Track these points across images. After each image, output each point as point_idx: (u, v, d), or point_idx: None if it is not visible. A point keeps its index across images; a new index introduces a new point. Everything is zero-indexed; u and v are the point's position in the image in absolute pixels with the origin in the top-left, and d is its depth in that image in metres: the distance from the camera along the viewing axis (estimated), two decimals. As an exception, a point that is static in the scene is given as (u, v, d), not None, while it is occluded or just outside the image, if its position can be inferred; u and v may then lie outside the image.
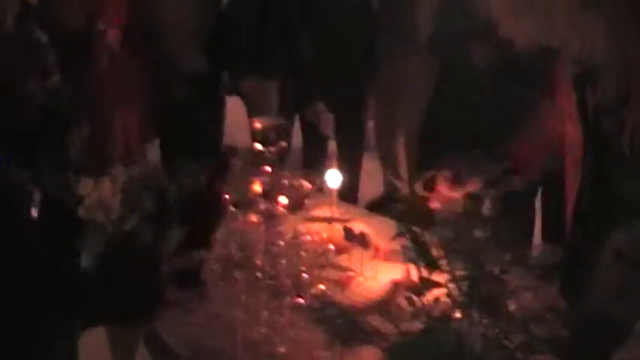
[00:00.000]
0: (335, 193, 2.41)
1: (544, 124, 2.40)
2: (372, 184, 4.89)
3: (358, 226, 2.31)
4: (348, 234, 2.23)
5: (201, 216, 1.30)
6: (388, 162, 4.85)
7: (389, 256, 2.22)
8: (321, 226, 2.27)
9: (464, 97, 3.44)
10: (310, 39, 3.96)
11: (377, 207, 4.17)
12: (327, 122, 3.93)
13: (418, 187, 2.36)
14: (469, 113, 3.43)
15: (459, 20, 3.52)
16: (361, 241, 2.20)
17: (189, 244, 1.43)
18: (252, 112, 4.27)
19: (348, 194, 3.26)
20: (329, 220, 2.30)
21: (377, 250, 2.19)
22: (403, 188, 4.80)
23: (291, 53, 3.97)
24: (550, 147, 2.37)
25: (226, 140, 4.48)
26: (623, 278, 1.77)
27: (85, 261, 1.62)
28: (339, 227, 2.33)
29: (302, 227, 2.16)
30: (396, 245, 2.24)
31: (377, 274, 2.16)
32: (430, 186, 2.35)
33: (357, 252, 2.23)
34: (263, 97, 4.11)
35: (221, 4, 4.07)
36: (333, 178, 2.35)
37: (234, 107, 4.61)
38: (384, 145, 4.76)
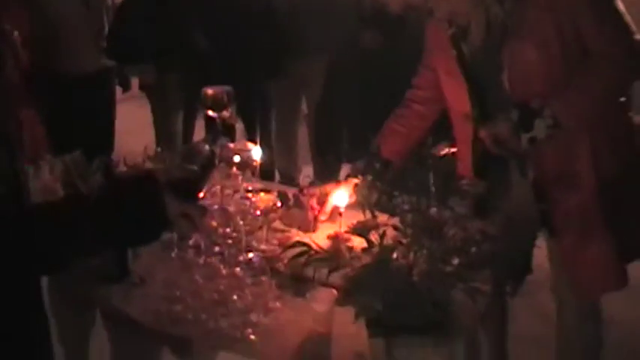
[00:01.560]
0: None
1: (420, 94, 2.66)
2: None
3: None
4: (283, 197, 2.41)
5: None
6: (285, 153, 5.03)
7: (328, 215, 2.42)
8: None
9: (355, 82, 3.71)
10: (205, 33, 4.14)
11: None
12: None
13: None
14: (362, 96, 3.72)
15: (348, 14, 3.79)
16: (296, 202, 2.39)
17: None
18: (156, 106, 4.42)
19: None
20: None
21: (312, 209, 2.37)
22: (298, 178, 5.00)
23: (186, 46, 4.12)
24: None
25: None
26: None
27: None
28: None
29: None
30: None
31: (312, 232, 2.35)
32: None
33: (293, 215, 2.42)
34: (164, 89, 4.27)
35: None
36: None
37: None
38: (282, 136, 4.92)
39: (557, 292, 2.59)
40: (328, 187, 2.47)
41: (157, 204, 1.44)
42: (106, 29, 4.25)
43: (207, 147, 1.59)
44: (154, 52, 4.12)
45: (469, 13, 2.20)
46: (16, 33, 3.32)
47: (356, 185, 2.36)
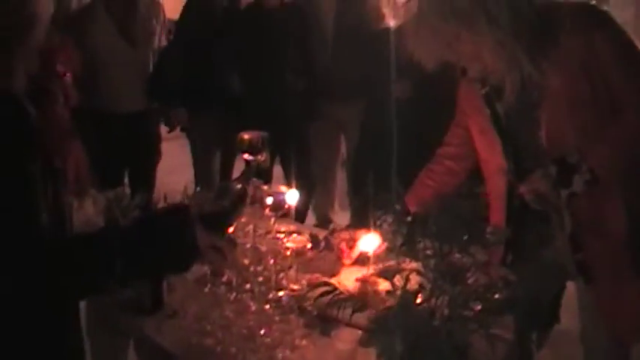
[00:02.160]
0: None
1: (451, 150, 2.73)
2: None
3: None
4: (314, 239, 2.49)
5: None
6: (322, 196, 5.11)
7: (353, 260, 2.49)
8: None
9: (387, 131, 3.79)
10: (242, 77, 4.29)
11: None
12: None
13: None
14: (393, 146, 3.79)
15: (381, 62, 3.89)
16: (327, 244, 2.47)
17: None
18: (195, 147, 4.57)
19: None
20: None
21: (342, 252, 2.45)
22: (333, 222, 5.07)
23: (222, 90, 4.27)
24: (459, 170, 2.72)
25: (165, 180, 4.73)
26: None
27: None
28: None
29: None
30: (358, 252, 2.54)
31: (341, 274, 2.43)
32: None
33: (323, 257, 2.50)
34: (202, 131, 4.41)
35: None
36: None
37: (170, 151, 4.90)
38: (320, 179, 5.01)
39: (585, 342, 2.60)
40: (359, 232, 2.55)
41: (188, 235, 1.53)
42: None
43: (239, 186, 1.69)
44: (190, 95, 4.28)
45: (503, 73, 2.27)
46: (68, 74, 3.49)
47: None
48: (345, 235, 2.53)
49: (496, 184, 2.50)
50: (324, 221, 5.00)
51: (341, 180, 5.15)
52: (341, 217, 5.09)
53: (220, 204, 1.64)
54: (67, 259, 1.46)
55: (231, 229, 1.68)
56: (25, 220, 1.41)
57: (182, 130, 4.69)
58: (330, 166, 4.97)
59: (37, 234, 1.42)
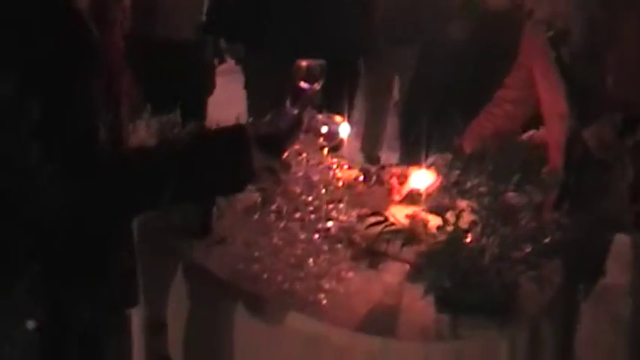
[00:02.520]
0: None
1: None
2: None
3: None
4: (366, 173, 2.48)
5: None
6: (371, 136, 5.08)
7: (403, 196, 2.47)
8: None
9: (444, 72, 3.72)
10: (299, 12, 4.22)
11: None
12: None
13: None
14: (450, 87, 3.73)
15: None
16: (377, 179, 2.45)
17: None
18: (248, 79, 4.55)
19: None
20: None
21: (392, 188, 2.43)
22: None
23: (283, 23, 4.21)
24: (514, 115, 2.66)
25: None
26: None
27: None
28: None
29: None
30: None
31: (390, 210, 2.41)
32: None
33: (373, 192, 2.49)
34: (257, 64, 4.38)
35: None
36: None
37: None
38: (370, 119, 4.97)
39: (636, 296, 2.57)
40: (411, 168, 2.52)
41: (243, 155, 1.52)
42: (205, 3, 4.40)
43: (295, 111, 1.67)
44: (247, 28, 4.23)
45: (571, 16, 2.19)
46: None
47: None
48: (397, 170, 2.51)
49: (556, 129, 2.45)
50: (372, 160, 4.99)
51: (389, 122, 5.12)
52: (389, 157, 5.08)
53: (276, 126, 1.62)
54: (123, 175, 1.47)
55: (285, 154, 1.66)
56: (87, 132, 1.42)
57: (237, 62, 4.66)
58: (382, 107, 4.93)
59: (97, 148, 1.43)
